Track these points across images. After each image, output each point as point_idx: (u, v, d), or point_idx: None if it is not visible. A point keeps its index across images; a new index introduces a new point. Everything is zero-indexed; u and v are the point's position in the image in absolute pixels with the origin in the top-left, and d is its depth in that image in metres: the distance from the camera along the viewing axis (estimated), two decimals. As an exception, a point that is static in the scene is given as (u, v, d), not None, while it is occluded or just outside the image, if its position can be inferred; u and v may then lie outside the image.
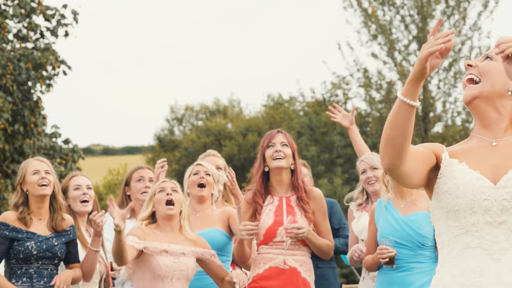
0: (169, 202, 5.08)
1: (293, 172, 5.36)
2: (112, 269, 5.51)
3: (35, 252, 5.15)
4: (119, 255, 4.88)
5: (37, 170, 5.27)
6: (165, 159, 5.88)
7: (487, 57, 2.97)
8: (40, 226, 5.25)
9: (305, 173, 7.03)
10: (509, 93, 2.88)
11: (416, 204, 5.27)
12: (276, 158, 5.28)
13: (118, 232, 4.86)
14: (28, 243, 5.14)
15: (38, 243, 5.17)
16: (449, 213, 2.88)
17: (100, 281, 5.55)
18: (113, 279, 5.51)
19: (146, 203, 5.22)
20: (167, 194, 5.09)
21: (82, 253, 5.39)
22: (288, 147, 5.32)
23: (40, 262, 5.17)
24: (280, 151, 5.29)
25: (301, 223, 5.20)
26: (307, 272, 5.26)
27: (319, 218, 5.31)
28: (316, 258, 6.28)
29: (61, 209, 5.32)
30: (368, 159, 5.98)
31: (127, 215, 4.95)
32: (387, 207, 5.32)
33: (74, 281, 5.28)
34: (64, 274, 5.22)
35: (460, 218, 2.85)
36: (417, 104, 2.73)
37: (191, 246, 5.14)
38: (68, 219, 5.34)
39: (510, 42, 2.64)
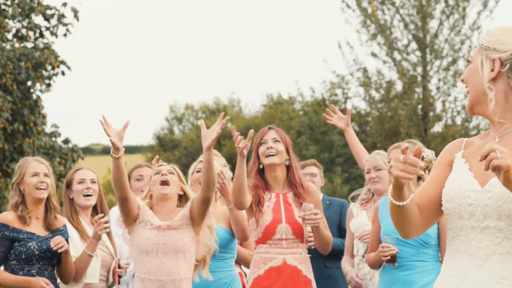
0: (164, 182, 5.02)
1: (288, 168, 5.33)
2: (119, 267, 5.51)
3: (36, 252, 5.16)
4: (119, 182, 4.81)
5: (36, 173, 5.28)
6: (157, 156, 5.86)
7: (469, 62, 2.99)
8: (38, 226, 5.26)
9: (316, 173, 7.04)
10: (487, 84, 2.86)
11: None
12: (269, 155, 5.26)
13: (116, 158, 4.75)
14: (29, 243, 5.15)
15: (39, 243, 5.18)
16: (446, 216, 2.90)
17: (108, 273, 5.55)
18: (119, 277, 5.50)
19: (144, 187, 5.19)
20: (162, 175, 5.02)
21: (82, 247, 5.39)
22: (280, 143, 5.27)
23: (41, 263, 5.18)
24: (272, 147, 5.25)
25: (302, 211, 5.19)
26: (307, 269, 5.22)
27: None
28: (325, 259, 6.27)
29: (55, 209, 5.34)
30: (372, 159, 6.00)
31: (123, 135, 4.82)
32: (390, 204, 5.31)
33: (69, 272, 5.28)
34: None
35: (452, 222, 2.87)
36: (405, 203, 2.81)
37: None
38: (61, 219, 5.36)
39: (491, 153, 2.59)
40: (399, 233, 2.96)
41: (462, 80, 3.01)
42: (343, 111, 24.10)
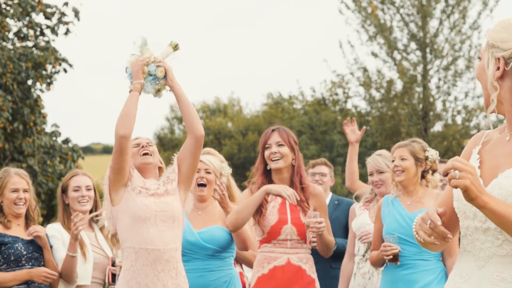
0: (146, 154, 4.77)
1: (293, 167, 5.30)
2: (113, 265, 5.50)
3: (24, 253, 5.21)
4: (130, 117, 4.57)
5: (16, 189, 5.35)
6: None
7: (479, 58, 2.93)
8: (20, 231, 5.34)
9: (326, 172, 7.06)
10: (494, 83, 2.79)
11: (422, 201, 5.27)
12: (273, 160, 5.25)
13: (138, 89, 4.64)
14: (16, 245, 5.22)
15: (25, 245, 5.25)
16: (457, 214, 2.88)
17: (104, 275, 5.56)
18: (113, 275, 5.49)
19: None
20: (143, 147, 4.77)
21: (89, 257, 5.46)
22: (284, 146, 5.25)
23: (30, 264, 5.23)
24: (276, 152, 5.24)
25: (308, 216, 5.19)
26: (311, 269, 5.23)
27: (321, 215, 5.26)
28: (330, 259, 6.27)
29: (34, 219, 5.42)
30: (374, 162, 6.00)
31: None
32: (393, 203, 5.32)
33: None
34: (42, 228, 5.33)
35: (461, 221, 2.85)
36: (429, 240, 2.83)
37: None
38: (42, 229, 5.41)
39: (450, 171, 2.60)
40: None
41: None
42: (343, 110, 24.13)
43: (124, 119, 4.57)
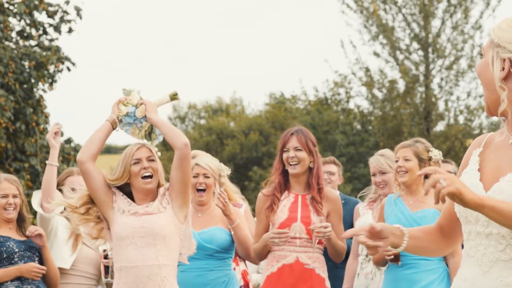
0: (148, 177, 4.62)
1: (311, 169, 5.31)
2: (106, 257, 5.50)
3: (16, 250, 5.26)
4: (92, 144, 4.64)
5: (5, 194, 5.38)
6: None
7: (481, 55, 2.85)
8: (12, 233, 5.39)
9: (334, 171, 7.03)
10: (499, 84, 2.71)
11: (425, 201, 5.27)
12: (291, 164, 5.26)
13: (109, 120, 4.70)
14: (8, 243, 5.27)
15: (17, 243, 5.30)
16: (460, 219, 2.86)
17: (98, 271, 5.58)
18: (106, 267, 5.50)
19: (118, 172, 4.67)
20: (145, 168, 4.63)
21: (67, 250, 5.49)
22: (302, 151, 5.25)
23: (23, 262, 5.26)
24: (294, 157, 5.25)
25: (315, 220, 5.19)
26: (321, 268, 5.23)
27: (334, 220, 5.26)
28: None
29: (27, 221, 5.45)
30: (376, 162, 5.99)
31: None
32: (396, 202, 5.32)
33: (50, 269, 5.33)
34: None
35: (463, 226, 2.82)
36: (401, 248, 2.96)
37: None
38: (41, 230, 5.42)
39: (436, 184, 2.56)
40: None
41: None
42: (345, 110, 24.03)
43: (86, 144, 4.65)
